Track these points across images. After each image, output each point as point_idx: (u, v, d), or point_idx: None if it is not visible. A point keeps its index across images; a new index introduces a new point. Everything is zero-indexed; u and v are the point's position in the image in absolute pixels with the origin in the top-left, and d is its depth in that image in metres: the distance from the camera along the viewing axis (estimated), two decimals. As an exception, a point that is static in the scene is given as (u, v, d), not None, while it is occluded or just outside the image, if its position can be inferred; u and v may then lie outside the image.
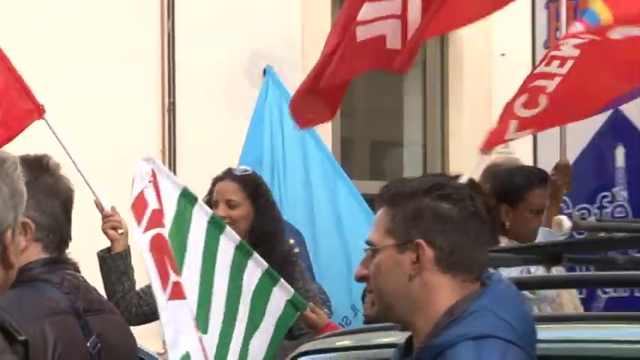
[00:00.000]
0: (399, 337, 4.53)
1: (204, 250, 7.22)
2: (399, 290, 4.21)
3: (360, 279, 4.58)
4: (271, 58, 12.83)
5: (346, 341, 5.62)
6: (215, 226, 7.30)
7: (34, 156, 5.21)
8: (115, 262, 7.91)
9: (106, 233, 7.99)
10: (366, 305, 7.97)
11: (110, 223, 7.82)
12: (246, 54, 13.17)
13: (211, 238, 7.24)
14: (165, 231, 7.13)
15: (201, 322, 7.07)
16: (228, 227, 7.48)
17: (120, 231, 7.87)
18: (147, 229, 7.14)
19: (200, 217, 7.32)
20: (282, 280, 7.44)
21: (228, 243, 7.27)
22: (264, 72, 12.77)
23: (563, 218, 5.39)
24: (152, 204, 7.18)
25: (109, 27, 13.67)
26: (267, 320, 7.19)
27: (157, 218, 7.17)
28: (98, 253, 7.97)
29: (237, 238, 7.41)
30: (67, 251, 5.28)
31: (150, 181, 7.19)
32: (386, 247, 4.17)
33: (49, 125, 8.22)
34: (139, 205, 7.25)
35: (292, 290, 7.45)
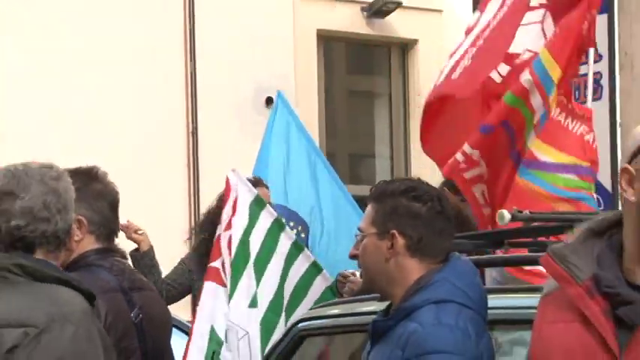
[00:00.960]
0: (378, 306, 4.67)
1: (263, 243, 7.38)
2: (378, 269, 4.39)
3: (352, 257, 4.78)
4: (271, 90, 12.84)
5: (336, 310, 5.67)
6: (277, 225, 7.47)
7: (85, 167, 5.32)
8: (144, 259, 8.00)
9: (131, 239, 8.07)
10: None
11: (132, 228, 7.88)
12: (251, 87, 13.15)
13: (272, 234, 7.41)
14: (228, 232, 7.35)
15: (252, 298, 7.25)
16: (287, 227, 7.67)
17: (140, 231, 7.98)
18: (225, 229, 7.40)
19: (266, 217, 7.44)
20: (324, 270, 7.55)
21: (286, 239, 7.42)
22: (267, 101, 12.98)
23: (504, 211, 5.37)
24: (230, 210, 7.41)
25: (143, 66, 13.60)
26: (306, 302, 7.32)
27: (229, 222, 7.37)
28: (130, 253, 7.86)
29: (293, 236, 7.65)
30: (116, 241, 5.36)
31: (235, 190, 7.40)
32: (370, 234, 4.36)
33: None
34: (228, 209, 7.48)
35: (331, 279, 7.59)
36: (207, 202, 8.69)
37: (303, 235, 8.82)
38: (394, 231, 4.24)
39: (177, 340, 6.39)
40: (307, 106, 13.72)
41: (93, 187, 5.10)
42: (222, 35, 13.79)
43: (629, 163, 2.92)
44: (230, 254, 7.28)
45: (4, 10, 13.26)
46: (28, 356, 3.73)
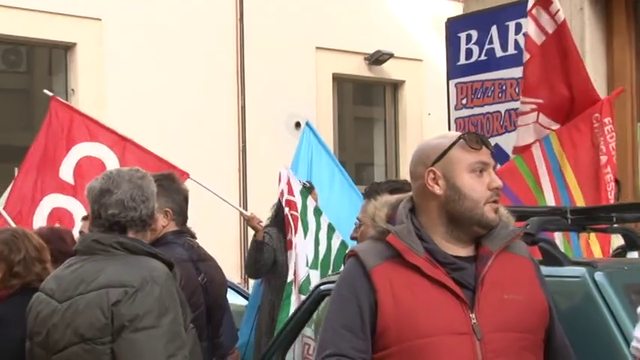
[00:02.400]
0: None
1: (315, 224, 7.46)
2: None
3: (353, 239, 4.99)
4: (299, 116, 12.80)
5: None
6: (317, 211, 7.49)
7: (167, 172, 5.58)
8: (261, 244, 7.80)
9: (253, 227, 7.96)
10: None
11: (256, 219, 7.82)
12: (285, 114, 13.05)
13: (317, 218, 7.47)
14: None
15: (313, 263, 7.34)
16: (324, 212, 7.59)
17: (261, 223, 7.86)
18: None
19: (311, 203, 7.51)
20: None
21: (324, 221, 7.46)
22: (296, 124, 13.00)
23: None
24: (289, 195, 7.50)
25: (208, 98, 13.50)
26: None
27: (292, 204, 7.45)
28: (252, 239, 8.06)
29: (328, 220, 7.53)
30: (188, 225, 5.45)
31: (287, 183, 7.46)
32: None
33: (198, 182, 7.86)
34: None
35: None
36: (252, 199, 8.65)
37: None
38: None
39: (230, 296, 6.43)
40: (325, 128, 13.62)
41: (173, 187, 5.25)
42: (265, 75, 13.70)
43: (432, 165, 3.05)
44: (297, 228, 7.36)
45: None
46: (128, 308, 3.84)
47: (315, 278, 7.11)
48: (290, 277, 7.24)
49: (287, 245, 7.38)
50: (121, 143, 7.79)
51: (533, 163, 6.82)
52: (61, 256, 4.63)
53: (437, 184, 3.02)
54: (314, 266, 7.30)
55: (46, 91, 8.90)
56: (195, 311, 4.92)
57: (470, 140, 3.04)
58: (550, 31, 6.71)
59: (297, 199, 7.47)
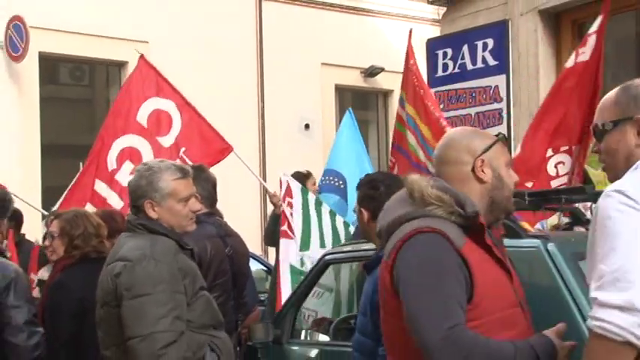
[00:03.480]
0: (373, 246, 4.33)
1: (317, 216, 7.22)
2: (364, 229, 4.05)
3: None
4: (308, 119, 12.85)
5: (349, 247, 5.43)
6: (317, 204, 7.29)
7: (198, 165, 5.46)
8: (278, 217, 7.62)
9: (274, 203, 7.90)
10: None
11: (277, 197, 7.66)
12: (297, 117, 12.97)
13: (318, 209, 7.25)
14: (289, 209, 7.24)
15: (320, 243, 7.18)
16: (324, 203, 7.44)
17: (280, 202, 7.64)
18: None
19: (311, 198, 7.30)
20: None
21: (325, 210, 7.26)
22: (306, 125, 12.97)
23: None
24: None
25: (231, 105, 13.45)
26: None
27: (290, 204, 7.19)
28: (272, 213, 8.05)
29: (328, 208, 7.39)
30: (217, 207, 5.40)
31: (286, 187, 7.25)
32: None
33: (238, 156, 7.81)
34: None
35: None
36: (270, 187, 8.57)
37: (342, 186, 8.57)
38: (362, 208, 3.89)
39: (252, 265, 6.42)
40: (328, 129, 13.64)
41: (202, 176, 5.12)
42: (280, 86, 13.64)
43: (481, 155, 2.82)
44: (292, 220, 7.14)
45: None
46: (125, 279, 3.69)
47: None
48: (287, 264, 7.02)
49: (280, 234, 7.14)
50: (184, 105, 7.66)
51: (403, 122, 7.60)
52: (113, 232, 4.60)
53: (483, 171, 2.80)
54: (322, 246, 7.10)
55: (136, 49, 8.82)
56: (223, 277, 4.90)
57: (505, 141, 2.94)
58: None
59: (297, 199, 7.27)
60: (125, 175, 6.96)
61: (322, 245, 7.07)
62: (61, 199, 7.54)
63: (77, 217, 5.01)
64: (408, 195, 2.76)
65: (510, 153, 7.65)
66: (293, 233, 7.11)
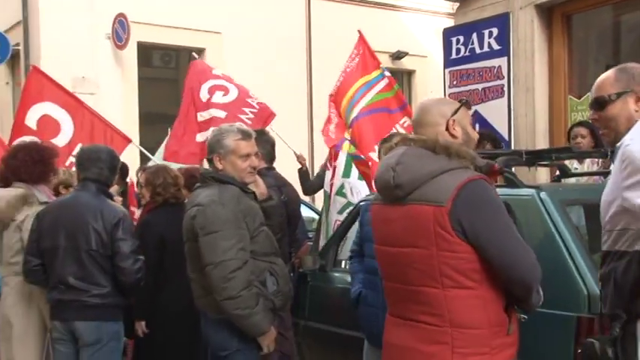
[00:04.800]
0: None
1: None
2: None
3: None
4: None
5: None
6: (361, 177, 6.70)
7: (260, 129, 5.37)
8: (305, 173, 7.68)
9: (300, 162, 7.79)
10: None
11: (303, 157, 7.72)
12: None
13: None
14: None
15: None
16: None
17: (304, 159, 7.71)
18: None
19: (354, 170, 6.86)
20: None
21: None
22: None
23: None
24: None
25: (288, 95, 13.39)
26: None
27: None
28: (299, 170, 7.82)
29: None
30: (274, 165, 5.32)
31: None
32: None
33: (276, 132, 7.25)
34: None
35: None
36: (317, 157, 8.58)
37: None
38: None
39: (303, 209, 6.39)
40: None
41: (263, 138, 5.07)
42: (324, 68, 13.50)
43: (452, 116, 2.76)
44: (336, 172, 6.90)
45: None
46: (198, 220, 3.66)
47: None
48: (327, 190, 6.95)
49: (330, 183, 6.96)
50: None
51: None
52: (192, 184, 4.60)
53: (455, 129, 2.73)
54: (360, 178, 6.78)
55: (193, 53, 8.91)
56: (279, 219, 4.87)
57: (468, 105, 2.87)
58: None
59: (341, 159, 7.00)
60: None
61: (360, 178, 6.74)
62: (158, 154, 7.70)
63: (158, 171, 5.07)
64: (431, 150, 2.63)
65: (510, 118, 7.75)
66: (335, 178, 6.96)
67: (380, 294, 3.61)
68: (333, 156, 7.08)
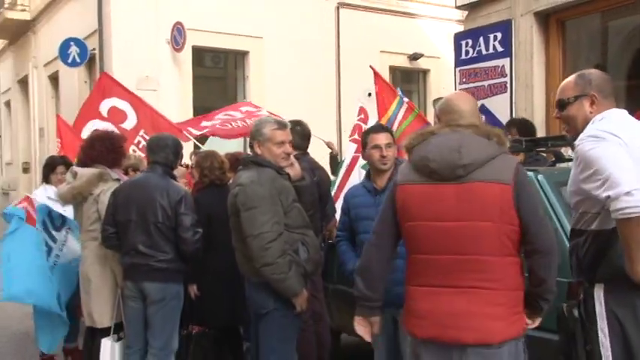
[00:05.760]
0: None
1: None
2: None
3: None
4: (370, 89, 12.68)
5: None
6: None
7: (298, 120, 5.12)
8: (336, 156, 7.60)
9: (330, 147, 7.72)
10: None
11: (332, 144, 7.64)
12: (363, 89, 12.77)
13: None
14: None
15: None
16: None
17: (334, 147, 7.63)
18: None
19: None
20: None
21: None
22: (369, 94, 12.79)
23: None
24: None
25: (318, 92, 13.34)
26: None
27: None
28: (330, 154, 7.75)
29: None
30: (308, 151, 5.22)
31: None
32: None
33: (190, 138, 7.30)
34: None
35: None
36: (344, 141, 8.51)
37: None
38: None
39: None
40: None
41: (298, 128, 4.97)
42: (351, 67, 13.46)
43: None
44: None
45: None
46: (240, 198, 3.65)
47: None
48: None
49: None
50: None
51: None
52: (235, 167, 4.59)
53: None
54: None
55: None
56: (313, 197, 4.84)
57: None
58: None
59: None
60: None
61: None
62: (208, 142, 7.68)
63: (207, 155, 5.07)
64: (486, 136, 2.58)
65: (511, 111, 7.68)
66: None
67: None
68: (357, 131, 7.01)
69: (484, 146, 2.54)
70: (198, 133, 7.30)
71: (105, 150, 4.69)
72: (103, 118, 6.93)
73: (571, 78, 2.82)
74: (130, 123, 6.98)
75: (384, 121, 6.66)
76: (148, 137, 6.51)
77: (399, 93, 7.30)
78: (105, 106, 6.97)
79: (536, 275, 2.53)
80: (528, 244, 2.50)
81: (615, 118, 2.66)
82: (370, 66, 7.35)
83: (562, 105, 2.79)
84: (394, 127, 6.59)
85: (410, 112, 6.89)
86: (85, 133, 6.84)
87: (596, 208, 2.57)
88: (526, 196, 2.49)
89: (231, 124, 7.36)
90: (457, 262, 2.48)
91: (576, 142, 2.62)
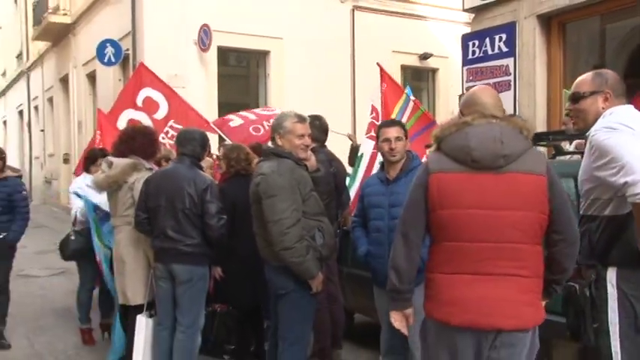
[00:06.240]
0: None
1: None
2: None
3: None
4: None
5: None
6: None
7: (317, 115, 5.10)
8: (357, 148, 7.46)
9: (351, 139, 7.66)
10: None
11: (353, 136, 7.58)
12: (375, 87, 12.69)
13: None
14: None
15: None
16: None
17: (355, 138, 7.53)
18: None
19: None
20: None
21: None
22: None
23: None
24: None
25: (334, 88, 13.26)
26: None
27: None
28: (351, 145, 7.66)
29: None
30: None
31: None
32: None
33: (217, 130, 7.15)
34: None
35: None
36: (359, 134, 8.37)
37: None
38: None
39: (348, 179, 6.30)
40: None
41: (316, 123, 4.93)
42: (365, 67, 13.35)
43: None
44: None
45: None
46: (262, 187, 3.65)
47: None
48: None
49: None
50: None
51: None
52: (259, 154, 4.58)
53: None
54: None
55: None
56: (329, 186, 4.83)
57: None
58: None
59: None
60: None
61: None
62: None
63: (234, 147, 5.07)
64: (519, 131, 2.48)
65: (515, 108, 7.62)
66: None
67: (383, 247, 3.52)
68: (372, 128, 6.93)
69: (520, 139, 2.46)
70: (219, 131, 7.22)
71: (146, 143, 4.74)
72: (137, 108, 6.93)
73: (588, 74, 2.84)
74: (161, 113, 6.97)
75: (394, 113, 6.60)
76: (177, 127, 6.68)
77: (407, 91, 7.19)
78: (140, 97, 6.98)
79: (559, 264, 2.46)
80: (556, 234, 2.41)
81: (624, 112, 2.69)
82: (377, 63, 7.14)
83: (576, 98, 2.80)
84: (403, 118, 6.51)
85: (415, 111, 6.70)
86: (121, 123, 6.88)
87: (608, 195, 2.58)
88: (558, 188, 2.43)
89: (248, 131, 7.17)
90: (492, 250, 2.36)
91: (591, 133, 2.62)
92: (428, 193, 2.45)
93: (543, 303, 2.52)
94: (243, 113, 7.66)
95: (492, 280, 2.34)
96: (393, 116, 6.55)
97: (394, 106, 6.76)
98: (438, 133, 2.52)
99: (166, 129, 6.82)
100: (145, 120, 6.81)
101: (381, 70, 7.03)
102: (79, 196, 5.49)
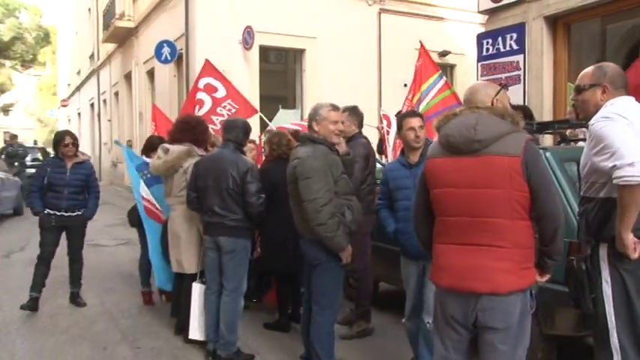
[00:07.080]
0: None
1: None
2: None
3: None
4: (407, 81, 12.47)
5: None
6: None
7: (354, 106, 4.99)
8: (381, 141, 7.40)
9: (380, 130, 7.53)
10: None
11: (381, 126, 7.32)
12: (400, 80, 12.49)
13: None
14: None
15: None
16: None
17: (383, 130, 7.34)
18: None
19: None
20: None
21: None
22: (404, 85, 12.55)
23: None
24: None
25: (363, 81, 13.12)
26: None
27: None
28: (381, 136, 7.53)
29: None
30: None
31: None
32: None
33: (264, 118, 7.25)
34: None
35: None
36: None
37: None
38: None
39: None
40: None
41: (353, 111, 4.86)
42: (391, 63, 13.28)
43: (496, 96, 2.57)
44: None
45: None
46: (299, 169, 3.60)
47: None
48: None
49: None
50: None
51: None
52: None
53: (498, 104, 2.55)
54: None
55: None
56: (366, 168, 4.76)
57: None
58: None
59: (393, 128, 6.65)
60: None
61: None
62: (273, 122, 7.70)
63: (276, 134, 5.04)
64: (500, 117, 2.46)
65: (524, 99, 7.49)
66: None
67: (410, 224, 3.52)
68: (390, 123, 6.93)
69: (497, 124, 2.42)
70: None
71: (203, 131, 4.85)
72: (200, 90, 7.21)
73: (590, 68, 2.77)
74: (220, 93, 7.24)
75: (416, 98, 6.45)
76: (234, 105, 6.97)
77: (441, 73, 6.98)
78: (202, 82, 7.26)
79: (544, 237, 2.45)
80: (537, 210, 2.40)
81: (622, 103, 2.64)
82: (419, 41, 6.98)
83: (579, 90, 2.76)
84: (426, 100, 6.34)
85: (443, 90, 6.48)
86: (200, 94, 7.12)
87: (604, 178, 2.56)
88: (536, 168, 2.38)
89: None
90: (473, 224, 2.41)
91: (590, 123, 2.60)
92: (426, 176, 2.61)
93: (543, 278, 2.53)
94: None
95: (472, 250, 2.41)
96: (419, 95, 6.43)
97: (427, 80, 6.56)
98: (436, 123, 2.60)
99: (224, 103, 7.03)
100: (206, 99, 7.08)
101: (422, 46, 6.84)
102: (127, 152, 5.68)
